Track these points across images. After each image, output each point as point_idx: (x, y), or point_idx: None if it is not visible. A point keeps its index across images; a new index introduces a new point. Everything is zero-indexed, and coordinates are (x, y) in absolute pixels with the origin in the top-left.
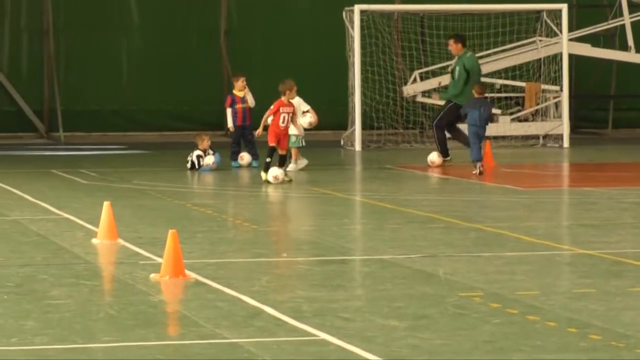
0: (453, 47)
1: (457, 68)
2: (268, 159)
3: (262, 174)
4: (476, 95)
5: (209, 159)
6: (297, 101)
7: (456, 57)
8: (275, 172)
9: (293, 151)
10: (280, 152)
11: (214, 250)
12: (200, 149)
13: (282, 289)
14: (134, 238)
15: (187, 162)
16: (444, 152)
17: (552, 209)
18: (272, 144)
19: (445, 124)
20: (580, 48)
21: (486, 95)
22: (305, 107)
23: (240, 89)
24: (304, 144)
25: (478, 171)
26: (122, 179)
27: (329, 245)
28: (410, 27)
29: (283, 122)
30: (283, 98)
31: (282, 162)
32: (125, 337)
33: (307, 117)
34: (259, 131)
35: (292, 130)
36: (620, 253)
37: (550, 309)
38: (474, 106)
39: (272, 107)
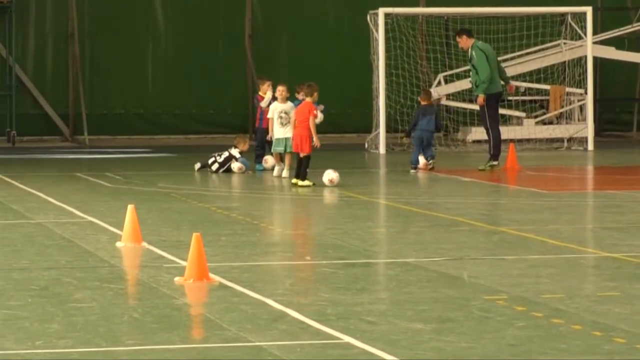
0: (462, 41)
1: (473, 53)
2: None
3: (298, 181)
4: (425, 103)
5: (237, 165)
6: (289, 105)
7: (469, 50)
8: (331, 175)
9: (288, 157)
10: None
11: (238, 254)
12: (239, 149)
13: (306, 292)
14: (158, 241)
15: (214, 160)
16: (495, 156)
17: (577, 212)
18: (308, 152)
19: (495, 120)
20: (604, 51)
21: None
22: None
23: (266, 92)
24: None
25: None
26: (146, 182)
27: (353, 248)
28: (434, 30)
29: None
30: (309, 99)
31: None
32: (149, 340)
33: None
34: (318, 141)
35: (288, 134)
36: None
37: (575, 312)
38: (426, 113)
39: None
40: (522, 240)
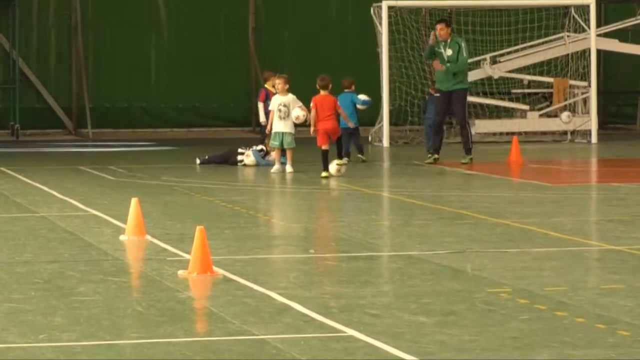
0: (444, 31)
1: (463, 45)
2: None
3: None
4: (433, 93)
5: (251, 159)
6: (290, 98)
7: (446, 42)
8: (334, 166)
9: (289, 152)
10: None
11: (241, 247)
12: (267, 148)
13: (310, 285)
14: (161, 234)
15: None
16: (469, 150)
17: (580, 205)
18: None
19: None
20: (608, 43)
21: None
22: (299, 103)
23: (272, 86)
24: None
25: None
26: (150, 176)
27: (356, 242)
28: None
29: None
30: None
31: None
32: (152, 334)
33: (296, 111)
34: (313, 129)
35: (287, 128)
36: None
37: (579, 305)
38: (432, 101)
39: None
40: (525, 233)
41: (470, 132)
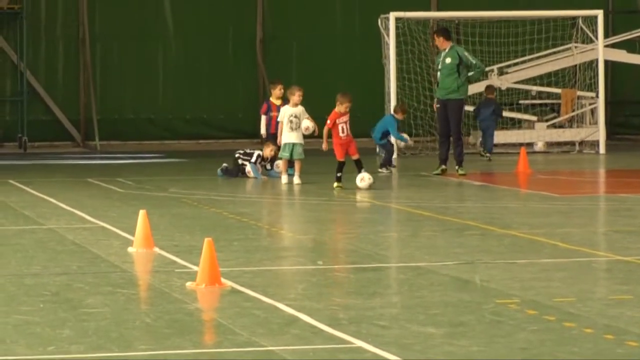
0: (437, 41)
1: (465, 54)
2: (339, 174)
3: (335, 184)
4: (489, 96)
5: (247, 168)
6: (300, 109)
7: (444, 51)
8: (362, 175)
9: (297, 164)
10: (354, 157)
11: (250, 258)
12: (261, 154)
13: (318, 296)
14: (170, 246)
15: (239, 155)
16: (461, 162)
17: (588, 215)
18: (341, 158)
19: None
20: (616, 54)
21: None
22: (306, 115)
23: (278, 97)
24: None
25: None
26: (158, 188)
27: (365, 253)
28: None
29: (342, 132)
30: (338, 108)
31: (360, 166)
32: (161, 346)
33: (305, 122)
34: (324, 145)
35: (297, 139)
36: None
37: (587, 316)
38: (487, 104)
39: (328, 120)
40: (533, 244)
41: (462, 144)
